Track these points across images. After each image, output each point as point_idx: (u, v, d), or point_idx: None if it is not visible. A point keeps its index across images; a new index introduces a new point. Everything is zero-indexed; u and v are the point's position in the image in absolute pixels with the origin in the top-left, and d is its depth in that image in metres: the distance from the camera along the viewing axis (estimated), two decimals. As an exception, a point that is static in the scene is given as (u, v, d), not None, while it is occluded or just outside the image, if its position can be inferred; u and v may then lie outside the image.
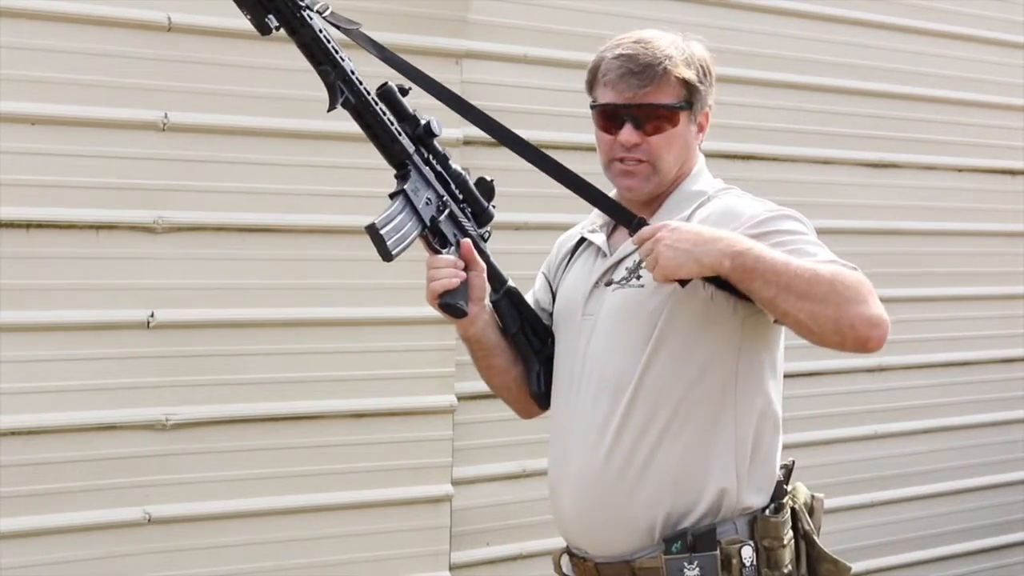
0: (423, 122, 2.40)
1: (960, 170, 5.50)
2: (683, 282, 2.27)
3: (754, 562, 2.33)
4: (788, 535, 2.38)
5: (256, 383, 3.80)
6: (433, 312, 2.46)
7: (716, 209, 2.39)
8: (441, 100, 2.42)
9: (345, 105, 2.32)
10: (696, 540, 2.31)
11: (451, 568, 4.14)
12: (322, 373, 3.90)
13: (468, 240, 2.43)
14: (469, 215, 2.47)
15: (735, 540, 2.33)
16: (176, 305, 3.68)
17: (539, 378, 2.52)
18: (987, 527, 5.59)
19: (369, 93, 2.34)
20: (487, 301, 2.49)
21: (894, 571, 5.32)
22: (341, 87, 2.32)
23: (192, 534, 3.71)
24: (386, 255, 2.33)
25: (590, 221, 2.54)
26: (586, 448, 2.37)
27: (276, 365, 3.83)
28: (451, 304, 2.39)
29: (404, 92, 2.38)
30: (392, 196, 2.39)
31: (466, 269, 2.42)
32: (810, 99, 5.04)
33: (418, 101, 2.42)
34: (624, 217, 2.38)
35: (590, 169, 2.52)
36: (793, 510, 2.41)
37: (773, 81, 4.94)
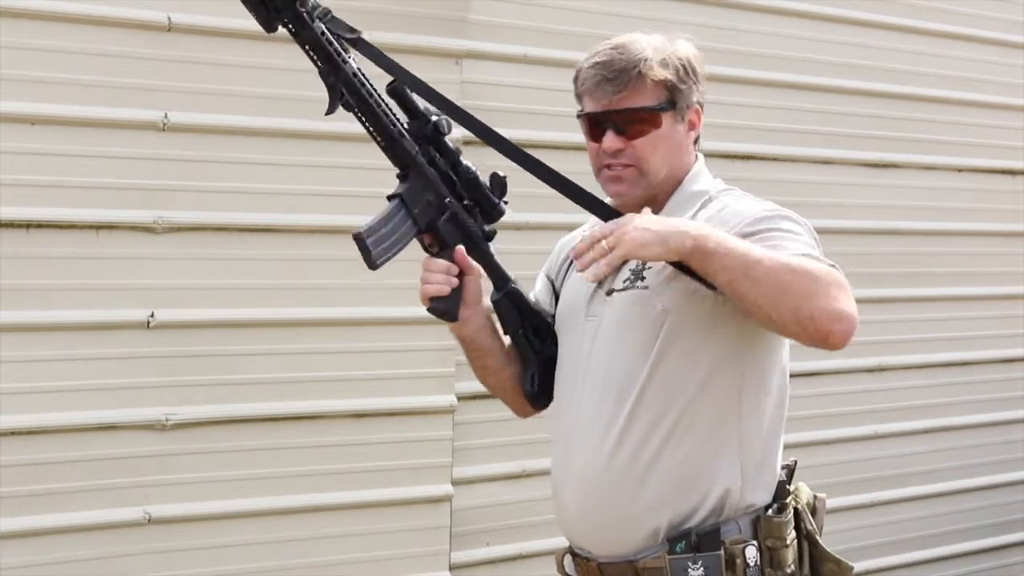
0: (432, 120, 2.39)
1: (960, 170, 5.50)
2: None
3: (758, 562, 2.33)
4: (791, 535, 2.37)
5: (256, 383, 3.80)
6: (433, 312, 2.47)
7: (717, 209, 2.39)
8: (446, 112, 2.40)
9: (346, 107, 2.32)
10: (700, 540, 2.31)
11: (451, 568, 4.14)
12: (322, 373, 3.90)
13: (462, 247, 2.43)
14: (477, 214, 2.47)
15: (739, 540, 2.32)
16: (176, 305, 3.68)
17: (533, 379, 2.53)
18: (987, 527, 5.59)
19: (373, 94, 2.34)
20: (485, 302, 2.49)
21: (894, 571, 5.32)
22: (342, 89, 2.31)
23: (192, 534, 3.71)
24: (370, 264, 2.35)
25: (592, 223, 2.54)
26: (590, 448, 2.37)
27: (276, 365, 3.83)
28: (440, 309, 2.41)
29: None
30: (389, 199, 2.40)
31: (461, 274, 2.43)
32: (810, 99, 5.04)
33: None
34: (606, 214, 2.37)
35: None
36: (796, 510, 2.41)
37: (773, 81, 4.94)
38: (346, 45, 2.33)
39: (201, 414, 3.72)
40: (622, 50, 2.39)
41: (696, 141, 2.50)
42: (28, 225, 3.50)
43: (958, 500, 5.50)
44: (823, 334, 2.17)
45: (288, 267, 3.84)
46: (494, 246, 2.50)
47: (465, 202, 2.45)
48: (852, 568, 2.43)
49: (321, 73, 2.31)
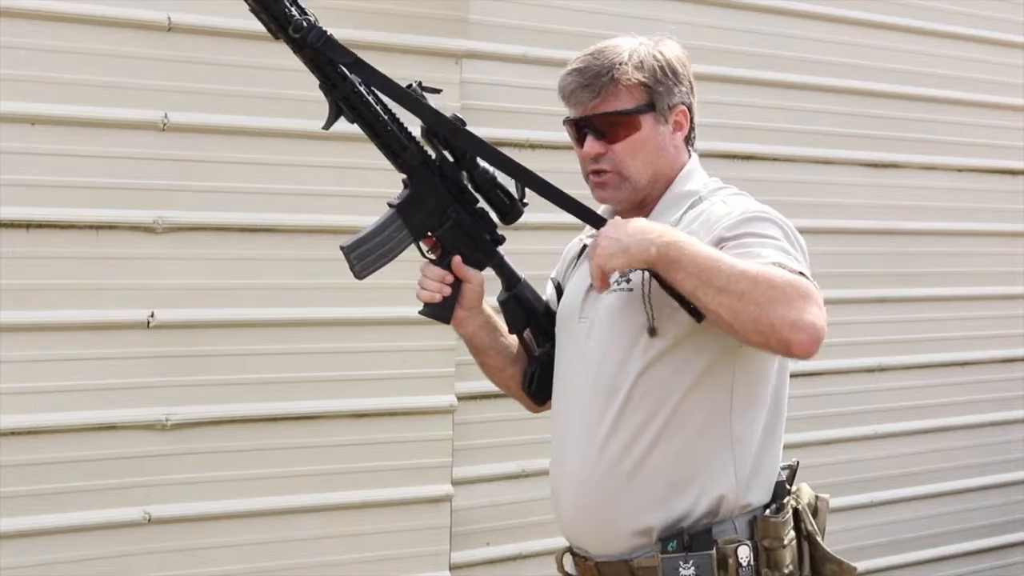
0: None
1: (960, 170, 5.50)
2: (697, 315, 2.26)
3: (751, 562, 2.32)
4: (789, 535, 2.37)
5: (256, 383, 3.80)
6: (433, 313, 2.48)
7: (703, 210, 2.40)
8: (441, 128, 2.40)
9: (348, 119, 2.34)
10: (692, 540, 2.31)
11: (451, 568, 4.14)
12: (322, 373, 3.90)
13: (458, 257, 2.44)
14: (489, 217, 2.47)
15: (732, 540, 2.32)
16: (176, 305, 3.68)
17: (532, 378, 2.55)
18: (987, 527, 5.59)
19: (374, 106, 2.35)
20: (485, 306, 2.51)
21: (894, 571, 5.32)
22: (341, 104, 2.33)
23: (192, 534, 3.71)
24: (355, 276, 2.40)
25: (590, 227, 2.55)
26: (582, 449, 2.38)
27: (276, 365, 3.83)
28: (430, 314, 2.46)
29: (433, 92, 2.38)
30: (389, 206, 2.42)
31: (458, 281, 2.44)
32: (810, 99, 5.04)
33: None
34: (595, 222, 2.38)
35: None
36: (796, 511, 2.41)
37: (773, 81, 4.94)
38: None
39: (201, 414, 3.72)
40: (598, 55, 2.40)
41: (689, 141, 2.49)
42: (28, 225, 3.50)
43: (958, 500, 5.50)
44: (784, 343, 2.16)
45: (288, 267, 3.84)
46: (504, 248, 2.51)
47: (477, 206, 2.46)
48: (855, 569, 2.43)
49: (320, 87, 2.33)
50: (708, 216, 2.37)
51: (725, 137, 4.69)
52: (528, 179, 2.41)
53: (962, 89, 5.46)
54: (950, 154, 5.45)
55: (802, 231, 2.38)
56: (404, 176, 2.43)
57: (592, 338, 2.40)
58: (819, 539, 2.42)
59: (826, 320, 2.18)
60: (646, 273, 2.31)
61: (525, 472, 4.28)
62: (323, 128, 2.38)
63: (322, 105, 2.36)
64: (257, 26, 2.31)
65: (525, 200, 2.47)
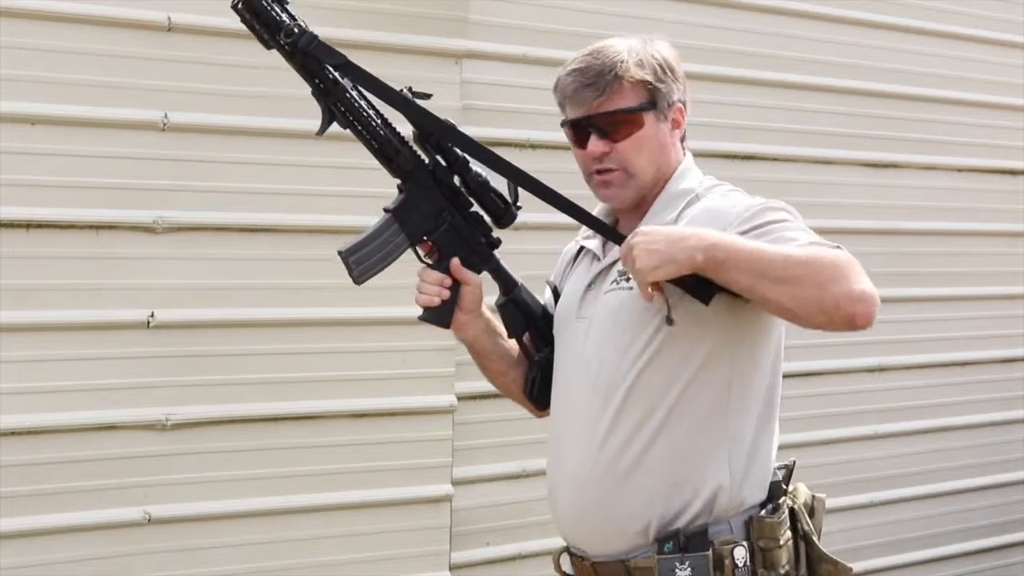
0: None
1: (960, 170, 5.50)
2: (704, 298, 2.27)
3: (747, 563, 2.33)
4: (785, 536, 2.38)
5: (256, 383, 3.80)
6: (434, 312, 2.48)
7: (703, 208, 2.40)
8: (438, 132, 2.40)
9: (341, 124, 2.35)
10: (688, 540, 2.32)
11: (451, 568, 4.14)
12: (322, 373, 3.90)
13: (457, 260, 2.45)
14: (484, 220, 2.48)
15: (728, 540, 2.33)
16: (176, 305, 3.68)
17: (533, 382, 2.55)
18: (987, 527, 5.59)
19: (367, 111, 2.36)
20: (485, 309, 2.51)
21: (894, 571, 5.32)
22: (333, 109, 2.34)
23: (192, 534, 3.71)
24: (353, 280, 2.41)
25: (586, 227, 2.56)
26: (580, 448, 2.38)
27: (276, 365, 3.83)
28: (429, 318, 2.46)
29: (423, 96, 2.38)
30: (385, 211, 2.42)
31: (456, 284, 2.45)
32: (810, 99, 5.04)
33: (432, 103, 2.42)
34: (614, 237, 2.39)
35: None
36: (792, 510, 2.41)
37: (773, 81, 4.94)
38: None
39: (201, 414, 3.72)
40: (597, 55, 2.41)
41: (683, 139, 2.50)
42: (28, 225, 3.50)
43: (958, 500, 5.50)
44: (849, 317, 2.18)
45: (288, 267, 3.85)
46: (499, 252, 2.51)
47: (472, 210, 2.46)
48: (851, 569, 2.43)
49: (313, 93, 2.33)
50: (711, 211, 2.38)
51: (725, 137, 4.69)
52: (522, 179, 2.41)
53: (962, 89, 5.46)
54: (950, 154, 5.45)
55: (802, 231, 2.38)
56: (398, 181, 2.44)
57: (591, 337, 2.41)
58: (815, 539, 2.42)
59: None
60: None
61: (525, 472, 4.28)
62: (317, 134, 2.39)
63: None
64: (257, 25, 2.31)
65: (518, 203, 2.47)
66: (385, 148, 2.39)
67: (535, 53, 4.30)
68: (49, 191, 3.52)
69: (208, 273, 3.73)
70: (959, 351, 5.48)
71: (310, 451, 3.88)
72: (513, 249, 2.62)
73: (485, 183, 2.45)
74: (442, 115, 2.41)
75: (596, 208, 2.52)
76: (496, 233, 2.51)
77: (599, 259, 2.47)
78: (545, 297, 2.61)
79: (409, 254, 2.45)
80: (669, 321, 2.29)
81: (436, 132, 2.39)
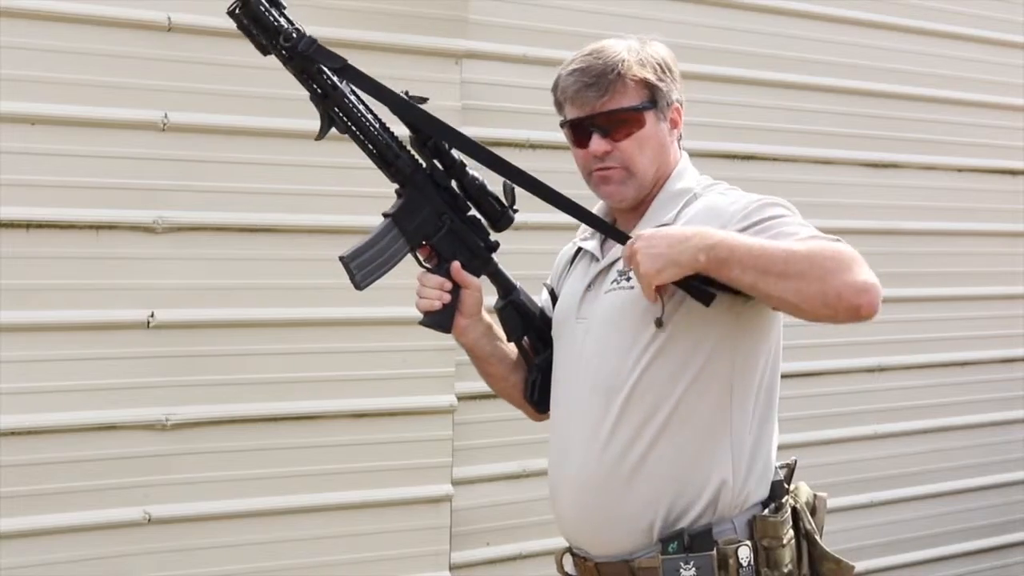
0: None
1: (960, 170, 5.50)
2: (705, 300, 2.27)
3: (751, 562, 2.33)
4: (788, 535, 2.38)
5: (256, 383, 3.80)
6: (433, 313, 2.48)
7: (702, 207, 2.40)
8: (439, 134, 2.40)
9: (339, 129, 2.35)
10: (692, 540, 2.32)
11: (451, 568, 4.14)
12: (322, 373, 3.90)
13: (457, 263, 2.45)
14: (482, 224, 2.48)
15: (732, 540, 2.33)
16: (176, 305, 3.68)
17: (533, 386, 2.56)
18: (987, 527, 5.59)
19: (366, 116, 2.36)
20: (485, 312, 2.52)
21: (894, 571, 5.32)
22: (332, 115, 2.34)
23: (192, 534, 3.71)
24: (356, 286, 2.40)
25: (583, 228, 2.56)
26: (582, 449, 2.38)
27: (276, 365, 3.83)
28: (431, 323, 2.46)
29: (420, 100, 2.38)
30: (384, 216, 2.42)
31: (457, 287, 2.45)
32: (810, 99, 5.04)
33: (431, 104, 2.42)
34: (617, 236, 2.39)
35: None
36: (794, 509, 2.41)
37: (773, 81, 4.94)
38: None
39: (201, 414, 3.72)
40: (598, 55, 2.41)
41: (679, 140, 2.50)
42: (28, 225, 3.50)
43: (958, 500, 5.50)
44: (853, 309, 2.19)
45: (288, 267, 3.85)
46: (497, 256, 2.51)
47: (470, 214, 2.46)
48: (853, 567, 2.43)
49: (311, 98, 2.33)
50: (710, 208, 2.38)
51: (725, 137, 4.69)
52: (524, 181, 2.41)
53: (962, 89, 5.46)
54: (950, 154, 5.45)
55: (802, 231, 2.38)
56: (396, 186, 2.44)
57: (590, 337, 2.41)
58: (817, 537, 2.42)
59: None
60: None
61: (525, 472, 4.28)
62: (316, 139, 2.38)
63: (322, 105, 2.36)
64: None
65: (515, 207, 2.47)
66: (384, 153, 2.39)
67: (535, 53, 4.30)
68: (49, 191, 3.52)
69: (208, 273, 3.73)
70: (959, 351, 5.48)
71: (310, 451, 3.88)
72: (512, 249, 2.62)
73: (482, 186, 2.45)
74: (442, 116, 2.41)
75: (594, 208, 2.52)
76: (493, 236, 2.51)
77: (598, 260, 2.47)
78: (542, 299, 2.61)
79: (408, 257, 2.45)
80: (658, 323, 2.31)
81: (438, 135, 2.39)
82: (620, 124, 2.40)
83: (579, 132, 2.43)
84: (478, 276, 2.49)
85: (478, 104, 4.18)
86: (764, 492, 2.38)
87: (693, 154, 2.56)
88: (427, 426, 4.07)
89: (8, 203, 3.46)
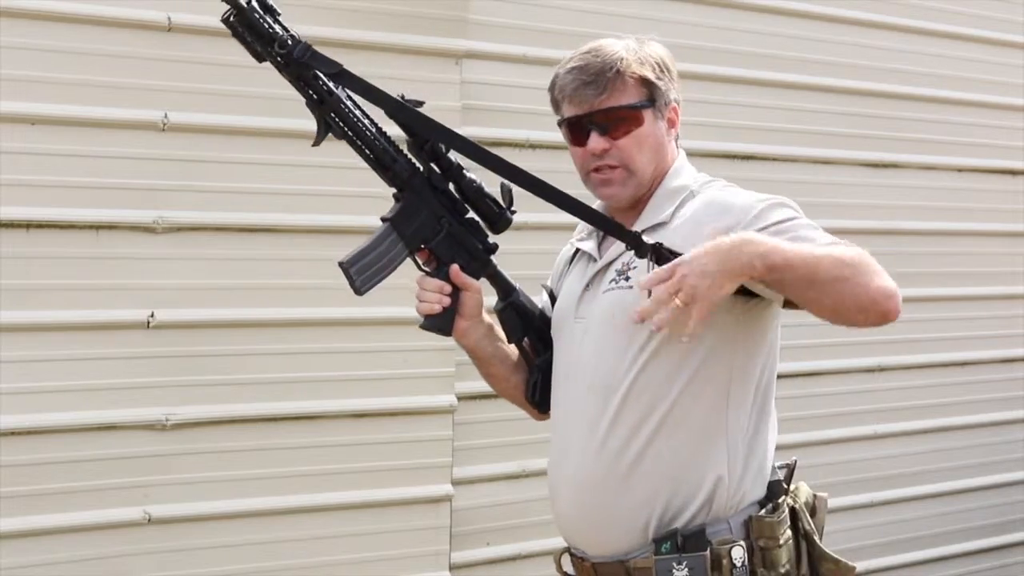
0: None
1: (960, 170, 5.50)
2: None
3: (745, 562, 2.33)
4: (785, 535, 2.38)
5: (256, 383, 3.80)
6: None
7: (701, 203, 2.40)
8: (440, 138, 2.39)
9: (336, 135, 2.34)
10: (685, 540, 2.32)
11: (451, 568, 4.14)
12: (322, 373, 3.90)
13: (456, 266, 2.45)
14: (480, 226, 2.48)
15: (726, 540, 2.33)
16: (176, 305, 3.68)
17: (535, 387, 2.56)
18: (987, 527, 5.59)
19: (362, 121, 2.35)
20: (485, 314, 2.52)
21: (894, 571, 5.32)
22: (328, 120, 2.34)
23: (192, 534, 3.71)
24: (355, 291, 2.40)
25: (580, 229, 2.57)
26: (579, 448, 2.39)
27: (276, 365, 3.83)
28: (431, 326, 2.46)
29: (416, 103, 2.38)
30: (383, 221, 2.42)
31: (457, 290, 2.45)
32: (810, 99, 5.04)
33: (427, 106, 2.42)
34: (622, 235, 2.37)
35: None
36: (793, 509, 2.41)
37: (773, 81, 4.94)
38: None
39: (201, 414, 3.72)
40: (597, 53, 2.41)
41: (676, 139, 2.50)
42: (28, 225, 3.50)
43: (958, 500, 5.50)
44: (884, 313, 2.25)
45: (288, 267, 3.84)
46: (497, 258, 2.51)
47: (468, 216, 2.46)
48: (853, 568, 2.43)
49: (307, 104, 2.33)
50: (713, 204, 2.38)
51: (725, 137, 4.69)
52: (523, 180, 2.41)
53: (962, 89, 5.46)
54: (950, 154, 5.45)
55: (802, 231, 2.38)
56: (394, 190, 2.43)
57: (589, 337, 2.41)
58: (816, 538, 2.42)
59: None
60: (648, 265, 2.30)
61: (525, 472, 4.28)
62: (313, 145, 2.38)
63: (322, 105, 2.35)
64: (257, 27, 2.31)
65: (513, 208, 2.47)
66: (381, 157, 2.39)
67: (535, 53, 4.30)
68: (49, 191, 3.52)
69: (208, 273, 3.73)
70: (959, 351, 5.48)
71: (310, 451, 3.88)
72: (511, 250, 2.62)
73: (480, 188, 2.45)
74: (441, 116, 2.41)
75: (593, 207, 2.51)
76: (492, 238, 2.51)
77: (595, 260, 2.47)
78: (542, 300, 2.61)
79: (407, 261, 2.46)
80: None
81: (435, 137, 2.39)
82: (619, 122, 2.40)
83: (577, 130, 2.43)
84: (477, 278, 2.49)
85: (478, 104, 4.18)
86: (761, 492, 2.39)
87: (692, 154, 2.56)
88: (427, 426, 4.07)
89: (8, 203, 3.46)
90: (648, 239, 2.33)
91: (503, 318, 2.53)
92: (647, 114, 2.41)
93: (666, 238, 2.31)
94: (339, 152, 3.72)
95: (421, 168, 2.43)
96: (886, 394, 5.27)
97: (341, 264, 2.39)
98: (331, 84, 2.32)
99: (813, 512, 2.45)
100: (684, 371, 2.33)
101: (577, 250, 2.56)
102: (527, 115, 4.22)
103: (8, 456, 3.47)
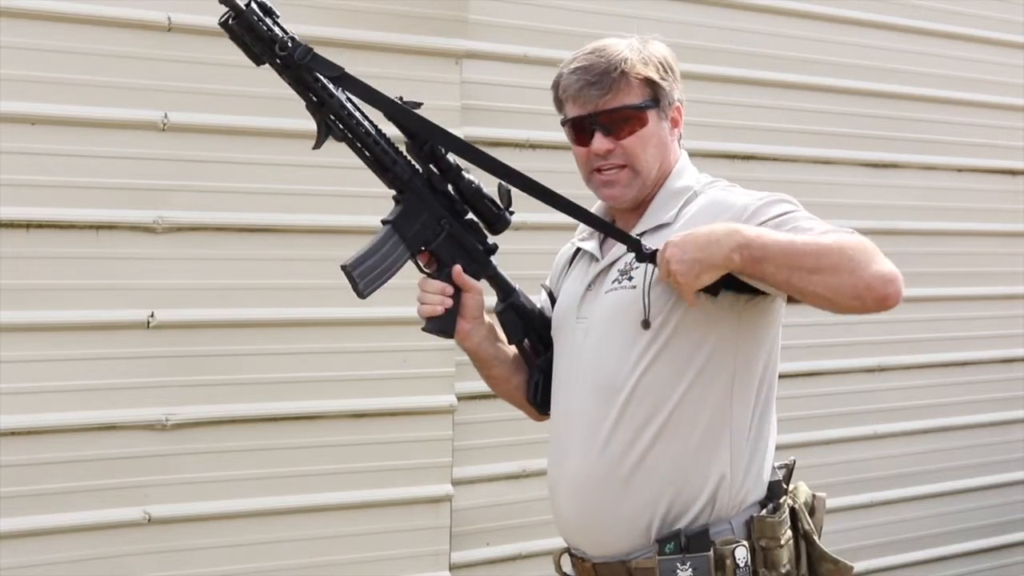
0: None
1: (960, 170, 5.50)
2: (714, 291, 2.28)
3: (748, 563, 2.33)
4: (786, 535, 2.38)
5: (256, 383, 3.80)
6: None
7: (704, 203, 2.40)
8: (438, 140, 2.39)
9: (336, 137, 2.34)
10: (689, 541, 2.32)
11: (451, 568, 4.14)
12: (322, 373, 3.90)
13: (458, 267, 2.45)
14: (479, 227, 2.48)
15: (729, 540, 2.33)
16: (176, 305, 3.68)
17: (536, 387, 2.56)
18: (987, 527, 5.59)
19: (363, 123, 2.35)
20: (486, 315, 2.52)
21: (894, 571, 5.32)
22: (329, 123, 2.33)
23: (192, 534, 3.71)
24: (359, 294, 2.40)
25: (581, 229, 2.56)
26: (581, 449, 2.38)
27: (276, 365, 3.83)
28: (434, 329, 2.46)
29: (414, 105, 2.38)
30: (383, 223, 2.42)
31: (459, 291, 2.45)
32: (810, 99, 5.04)
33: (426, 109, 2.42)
34: (624, 239, 2.38)
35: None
36: (793, 509, 2.41)
37: (773, 81, 4.94)
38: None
39: (201, 414, 3.72)
40: (601, 53, 2.41)
41: (679, 139, 2.51)
42: (28, 225, 3.50)
43: (958, 500, 5.50)
44: (881, 299, 2.24)
45: (288, 267, 3.85)
46: (496, 259, 2.51)
47: (467, 217, 2.47)
48: (852, 568, 2.44)
49: (307, 107, 2.32)
50: (714, 203, 2.38)
51: (725, 137, 4.69)
52: (521, 182, 2.41)
53: (962, 89, 5.46)
54: (950, 154, 5.45)
55: (802, 231, 2.38)
56: (394, 192, 2.43)
57: (590, 337, 2.41)
58: (816, 538, 2.42)
59: None
60: (648, 267, 2.31)
61: (525, 472, 4.28)
62: (313, 148, 2.38)
63: (322, 104, 2.35)
64: (257, 27, 2.30)
65: (511, 208, 2.48)
66: (381, 159, 2.39)
67: (535, 53, 4.30)
68: (49, 191, 3.52)
69: (208, 273, 3.73)
70: (959, 351, 5.48)
71: (310, 451, 3.88)
72: (510, 250, 2.62)
73: (478, 190, 2.45)
74: (441, 116, 2.41)
75: (593, 208, 2.52)
76: (491, 239, 2.51)
77: (597, 260, 2.47)
78: (541, 300, 2.61)
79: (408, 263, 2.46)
80: (645, 325, 2.32)
81: (434, 139, 2.38)
82: (623, 122, 2.40)
83: (581, 130, 2.43)
84: (478, 279, 2.49)
85: (478, 104, 4.18)
86: (762, 492, 2.39)
87: (693, 154, 2.56)
88: (427, 426, 4.07)
89: (8, 203, 3.46)
90: (651, 240, 2.33)
91: (503, 319, 2.53)
92: (651, 114, 2.42)
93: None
94: (339, 152, 3.72)
95: (420, 170, 2.43)
96: (886, 394, 5.26)
97: (344, 267, 2.39)
98: (331, 86, 2.32)
99: (812, 512, 2.45)
100: (688, 371, 2.33)
101: (578, 250, 2.55)
102: (527, 115, 4.22)
103: (8, 456, 3.47)
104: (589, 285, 2.46)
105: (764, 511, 2.37)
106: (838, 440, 5.12)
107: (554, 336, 2.52)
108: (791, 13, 4.99)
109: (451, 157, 2.42)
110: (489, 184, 2.47)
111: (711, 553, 2.31)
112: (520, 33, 4.32)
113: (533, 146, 4.26)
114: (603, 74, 2.39)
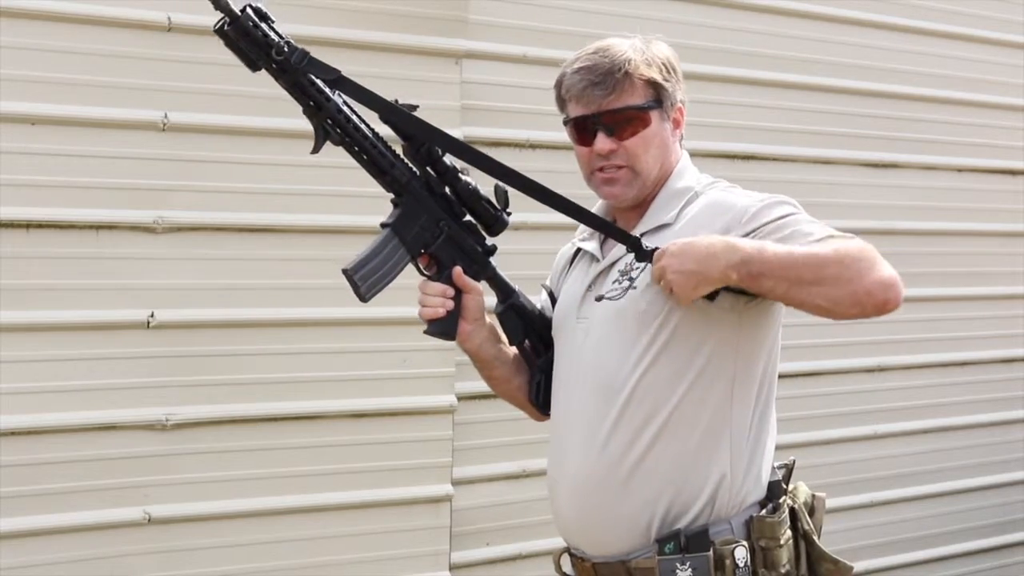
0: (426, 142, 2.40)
1: (960, 170, 5.50)
2: (711, 296, 2.29)
3: (748, 563, 2.33)
4: (786, 535, 2.38)
5: (256, 383, 3.80)
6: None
7: (704, 204, 2.40)
8: (436, 142, 2.40)
9: (334, 141, 2.34)
10: (689, 541, 2.32)
11: (451, 568, 4.14)
12: (322, 373, 3.90)
13: (459, 268, 2.45)
14: (478, 229, 2.48)
15: (729, 540, 2.33)
16: (176, 305, 3.68)
17: (538, 388, 2.56)
18: (987, 527, 5.59)
19: (360, 127, 2.35)
20: (486, 317, 2.52)
21: (894, 571, 5.32)
22: (326, 127, 2.33)
23: (192, 534, 3.71)
24: (360, 298, 2.40)
25: (581, 229, 2.57)
26: (581, 449, 2.38)
27: (276, 365, 3.83)
28: (436, 331, 2.47)
29: (411, 107, 2.38)
30: (382, 227, 2.42)
31: (460, 293, 2.45)
32: (810, 99, 5.04)
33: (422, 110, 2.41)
34: (624, 239, 2.38)
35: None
36: (792, 509, 2.41)
37: (773, 81, 4.94)
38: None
39: (201, 414, 3.72)
40: (604, 53, 2.41)
41: (680, 139, 2.51)
42: (28, 225, 3.50)
43: (958, 500, 5.50)
44: (881, 304, 2.25)
45: (288, 267, 3.85)
46: (495, 260, 2.51)
47: (465, 219, 2.47)
48: (851, 568, 2.44)
49: (304, 112, 2.32)
50: (714, 205, 2.39)
51: (725, 137, 4.69)
52: (519, 182, 2.41)
53: (962, 89, 5.46)
54: (950, 154, 5.45)
55: (802, 231, 2.38)
56: (392, 195, 2.43)
57: (590, 338, 2.41)
58: (815, 538, 2.42)
59: None
60: (649, 267, 2.31)
61: (525, 472, 4.28)
62: (312, 152, 2.37)
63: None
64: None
65: (508, 209, 2.48)
66: (379, 162, 2.39)
67: (535, 53, 4.30)
68: (49, 191, 3.52)
69: (208, 273, 3.73)
70: (959, 351, 5.48)
71: (310, 451, 3.88)
72: (510, 250, 2.62)
73: (476, 191, 2.46)
74: (441, 116, 2.41)
75: (593, 207, 2.52)
76: (490, 240, 2.51)
77: (598, 260, 2.47)
78: (541, 300, 2.61)
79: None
80: (645, 324, 2.33)
81: (431, 141, 2.38)
82: (626, 123, 2.40)
83: (583, 130, 2.43)
84: (477, 280, 2.49)
85: (478, 104, 4.18)
86: (761, 492, 2.39)
87: (694, 154, 2.56)
88: (427, 426, 4.07)
89: (8, 203, 3.46)
90: (652, 241, 2.33)
91: (503, 320, 2.53)
92: (654, 115, 2.42)
93: (670, 240, 2.31)
94: (338, 152, 3.72)
95: (418, 172, 2.43)
96: (886, 394, 5.26)
97: (345, 271, 2.39)
98: (327, 90, 2.31)
99: (812, 512, 2.45)
100: (688, 372, 2.33)
101: (579, 250, 2.56)
102: (527, 115, 4.22)
103: (8, 456, 3.47)
104: (589, 286, 2.46)
105: (764, 511, 2.37)
106: (838, 440, 5.12)
107: (554, 336, 2.53)
108: (791, 13, 4.99)
109: (448, 159, 2.42)
110: (488, 185, 2.47)
111: (711, 553, 2.31)
112: (520, 33, 4.32)
113: (533, 146, 4.26)
114: (607, 74, 2.39)
